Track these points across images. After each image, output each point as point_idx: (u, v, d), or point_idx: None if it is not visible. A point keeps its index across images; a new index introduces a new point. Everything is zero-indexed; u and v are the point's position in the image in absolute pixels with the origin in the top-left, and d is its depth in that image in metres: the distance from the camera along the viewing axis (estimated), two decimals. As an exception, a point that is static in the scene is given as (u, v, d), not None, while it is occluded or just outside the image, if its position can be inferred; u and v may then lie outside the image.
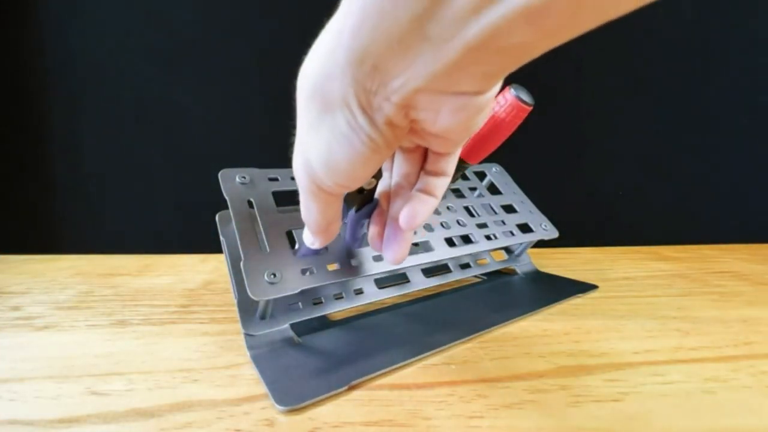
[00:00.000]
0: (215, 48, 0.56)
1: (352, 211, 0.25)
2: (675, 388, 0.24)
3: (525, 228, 0.43)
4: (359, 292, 0.34)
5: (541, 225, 0.44)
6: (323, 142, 0.16)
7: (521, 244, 0.45)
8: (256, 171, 0.32)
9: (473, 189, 0.45)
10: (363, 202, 0.24)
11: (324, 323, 0.33)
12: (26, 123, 0.56)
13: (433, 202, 0.21)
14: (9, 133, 0.56)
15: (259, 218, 0.29)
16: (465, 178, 0.45)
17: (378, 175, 0.24)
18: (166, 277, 0.47)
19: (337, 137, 0.16)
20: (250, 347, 0.28)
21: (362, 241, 0.31)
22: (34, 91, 0.55)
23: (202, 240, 0.56)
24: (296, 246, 0.33)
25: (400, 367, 0.27)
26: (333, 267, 0.30)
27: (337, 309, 0.32)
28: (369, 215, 0.25)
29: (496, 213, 0.43)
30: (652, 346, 0.30)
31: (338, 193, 0.19)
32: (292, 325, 0.30)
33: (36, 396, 0.23)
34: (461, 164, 0.38)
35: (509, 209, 0.44)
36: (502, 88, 0.37)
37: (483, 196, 0.44)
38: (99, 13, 0.54)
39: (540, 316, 0.35)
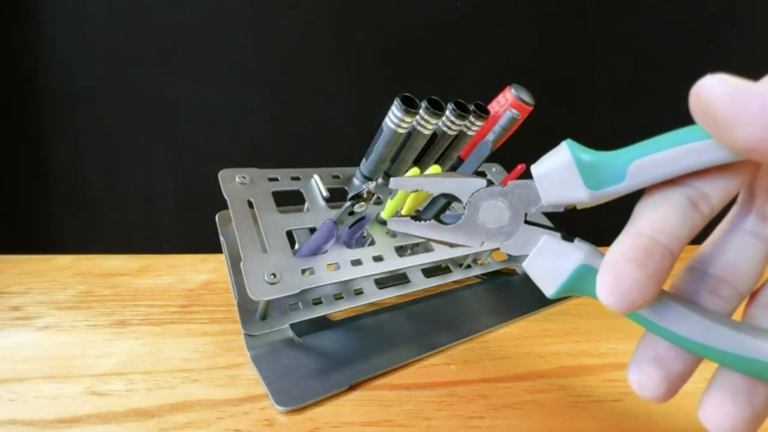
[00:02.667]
0: (215, 48, 0.56)
1: (346, 228, 0.30)
2: (675, 388, 0.24)
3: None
4: (359, 292, 0.34)
5: (541, 225, 0.44)
6: None
7: (521, 244, 0.45)
8: (256, 171, 0.32)
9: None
10: (355, 222, 0.30)
11: (324, 323, 0.33)
12: (25, 123, 0.56)
13: None
14: (8, 132, 0.56)
15: (259, 218, 0.29)
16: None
17: (368, 199, 0.27)
18: (166, 277, 0.47)
19: None
20: (250, 347, 0.28)
21: (358, 242, 0.32)
22: (34, 91, 0.55)
23: (202, 240, 0.56)
24: (296, 246, 0.33)
25: (400, 367, 0.27)
26: (333, 267, 0.30)
27: (337, 309, 0.32)
28: (361, 228, 0.30)
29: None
30: (652, 346, 0.30)
31: None
32: (292, 326, 0.30)
33: (36, 396, 0.23)
34: (460, 162, 0.38)
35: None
36: (503, 88, 0.37)
37: (483, 196, 0.44)
38: (98, 12, 0.54)
39: (540, 316, 0.35)
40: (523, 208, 0.17)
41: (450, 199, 0.18)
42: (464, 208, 0.17)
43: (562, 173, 0.15)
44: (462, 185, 0.17)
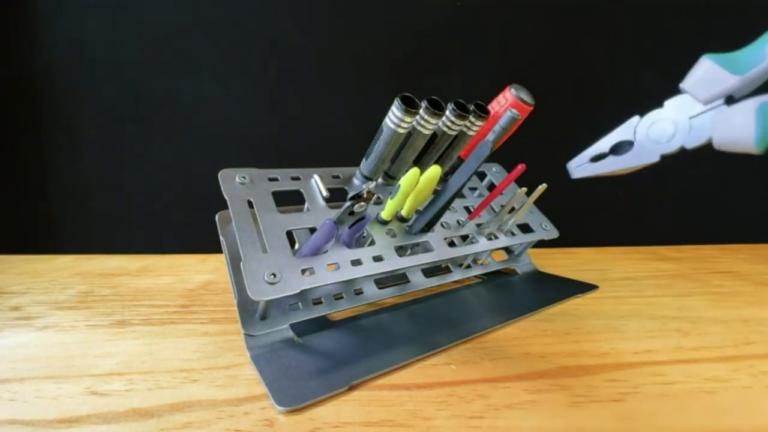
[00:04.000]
0: (215, 48, 0.56)
1: (346, 228, 0.29)
2: (675, 388, 0.24)
3: (525, 228, 0.43)
4: (359, 292, 0.34)
5: (541, 225, 0.44)
6: None
7: (521, 244, 0.45)
8: (256, 171, 0.32)
9: (473, 189, 0.45)
10: (355, 221, 0.29)
11: (324, 323, 0.33)
12: (26, 122, 0.56)
13: None
14: (8, 132, 0.56)
15: (259, 218, 0.29)
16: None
17: (368, 199, 0.27)
18: (166, 277, 0.47)
19: None
20: (250, 347, 0.28)
21: (358, 242, 0.32)
22: (34, 91, 0.55)
23: (202, 240, 0.56)
24: (296, 246, 0.33)
25: (400, 367, 0.27)
26: (333, 267, 0.30)
27: (337, 309, 0.32)
28: (361, 228, 0.30)
29: (496, 213, 0.43)
30: (652, 346, 0.30)
31: None
32: (292, 326, 0.30)
33: (36, 396, 0.23)
34: (460, 162, 0.38)
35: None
36: (503, 88, 0.37)
37: (483, 196, 0.44)
38: (99, 11, 0.54)
39: (540, 316, 0.35)
40: (685, 118, 0.19)
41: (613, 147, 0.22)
42: (633, 136, 0.20)
43: (706, 74, 0.18)
44: (625, 129, 0.21)
